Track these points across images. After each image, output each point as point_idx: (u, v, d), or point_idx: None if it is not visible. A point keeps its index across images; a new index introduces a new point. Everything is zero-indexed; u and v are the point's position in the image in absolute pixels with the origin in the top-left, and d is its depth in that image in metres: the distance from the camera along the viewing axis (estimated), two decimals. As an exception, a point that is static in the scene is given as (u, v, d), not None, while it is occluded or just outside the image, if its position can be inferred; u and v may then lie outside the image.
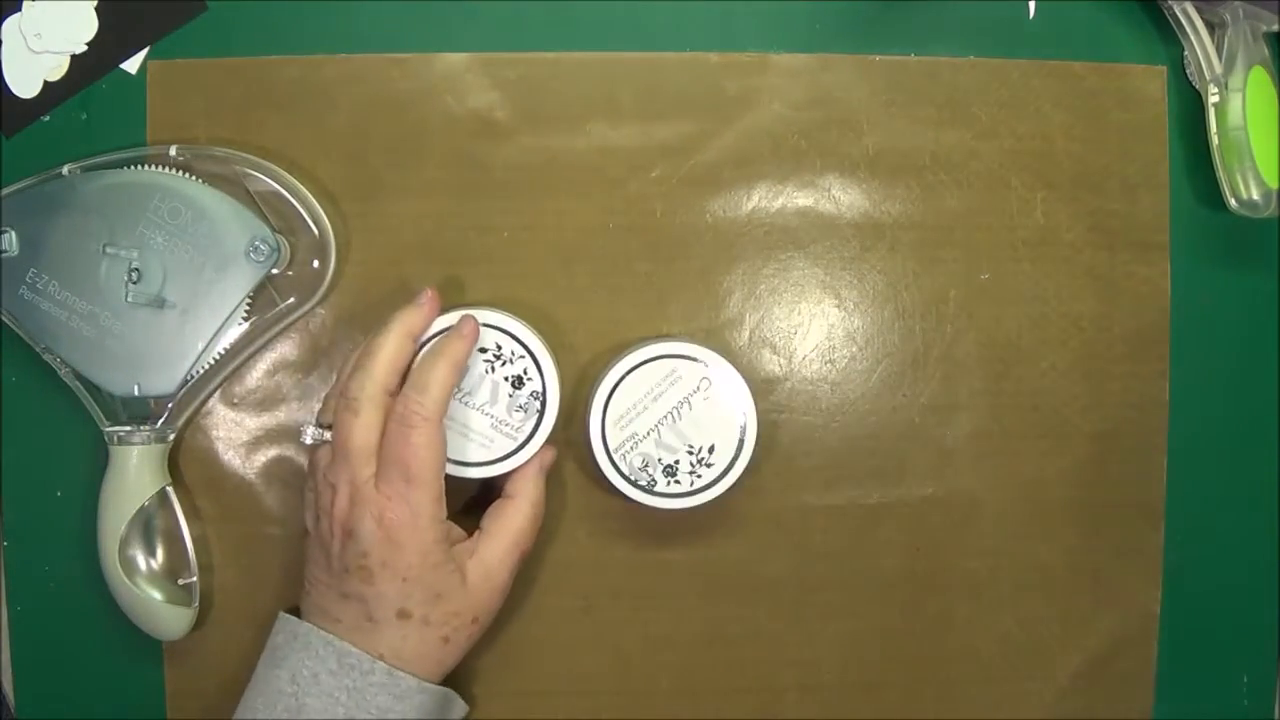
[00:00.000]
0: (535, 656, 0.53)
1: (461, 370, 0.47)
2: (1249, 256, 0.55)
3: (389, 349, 0.46)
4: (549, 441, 0.49)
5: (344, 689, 0.44)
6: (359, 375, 0.46)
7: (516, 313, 0.49)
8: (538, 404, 0.48)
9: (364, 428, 0.45)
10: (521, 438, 0.48)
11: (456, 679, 0.52)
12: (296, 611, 0.48)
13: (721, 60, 0.53)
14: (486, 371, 0.48)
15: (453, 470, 0.47)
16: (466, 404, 0.48)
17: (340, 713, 0.44)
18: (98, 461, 0.51)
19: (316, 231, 0.51)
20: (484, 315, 0.48)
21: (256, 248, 0.49)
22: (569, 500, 0.53)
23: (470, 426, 0.48)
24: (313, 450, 0.48)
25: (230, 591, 0.53)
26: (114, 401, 0.50)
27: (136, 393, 0.49)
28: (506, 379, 0.47)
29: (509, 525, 0.48)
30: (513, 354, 0.47)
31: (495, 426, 0.48)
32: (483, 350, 0.48)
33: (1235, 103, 0.52)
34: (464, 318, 0.47)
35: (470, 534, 0.48)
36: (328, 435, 0.47)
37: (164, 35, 0.52)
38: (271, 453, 0.53)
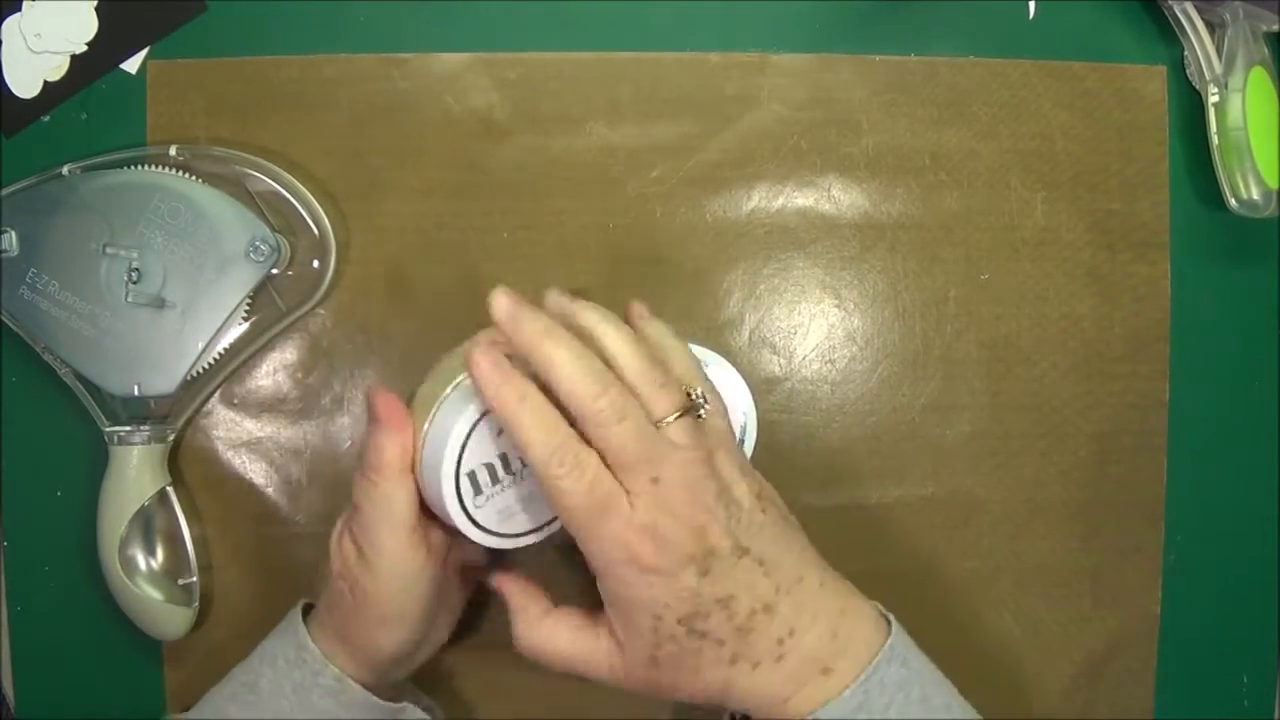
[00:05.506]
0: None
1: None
2: (1249, 256, 0.55)
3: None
4: None
5: (292, 682, 0.44)
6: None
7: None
8: None
9: None
10: None
11: (451, 683, 0.51)
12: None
13: (721, 60, 0.53)
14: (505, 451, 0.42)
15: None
16: (525, 477, 0.42)
17: (285, 707, 0.44)
18: (98, 461, 0.51)
19: (316, 231, 0.51)
20: (464, 420, 0.40)
21: (256, 248, 0.49)
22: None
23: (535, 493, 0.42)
24: None
25: (230, 591, 0.53)
26: (114, 401, 0.50)
27: (136, 393, 0.49)
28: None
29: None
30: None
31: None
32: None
33: (1235, 103, 0.52)
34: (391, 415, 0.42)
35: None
36: None
37: (164, 35, 0.52)
38: (272, 453, 0.53)
